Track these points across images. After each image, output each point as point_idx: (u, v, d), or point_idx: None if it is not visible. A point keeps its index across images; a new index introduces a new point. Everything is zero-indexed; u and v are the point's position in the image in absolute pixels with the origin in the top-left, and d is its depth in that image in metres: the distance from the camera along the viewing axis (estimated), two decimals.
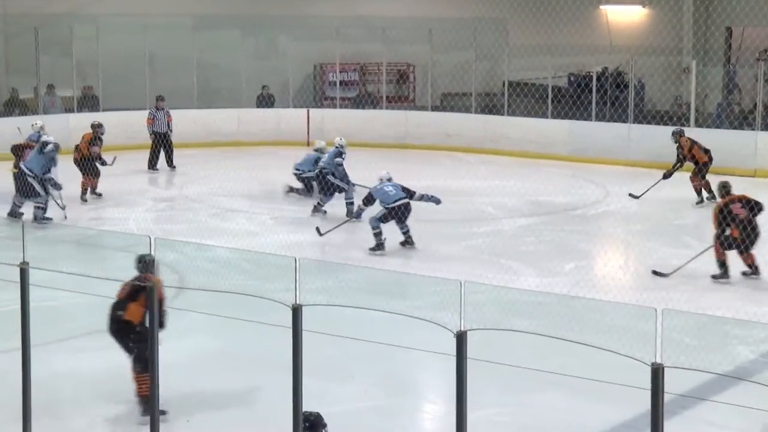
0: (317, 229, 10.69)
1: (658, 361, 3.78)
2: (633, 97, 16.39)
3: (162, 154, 15.34)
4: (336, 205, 11.85)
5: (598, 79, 17.05)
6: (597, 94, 16.55)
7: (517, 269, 9.54)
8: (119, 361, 6.84)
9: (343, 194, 11.80)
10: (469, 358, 4.15)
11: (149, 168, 15.16)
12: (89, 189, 12.90)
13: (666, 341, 3.78)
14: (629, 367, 4.03)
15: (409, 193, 10.30)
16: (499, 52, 17.83)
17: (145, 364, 5.85)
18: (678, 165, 12.61)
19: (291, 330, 4.56)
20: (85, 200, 12.62)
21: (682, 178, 12.75)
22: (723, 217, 9.00)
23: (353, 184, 11.96)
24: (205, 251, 7.16)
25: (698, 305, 8.08)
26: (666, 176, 12.57)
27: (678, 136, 12.74)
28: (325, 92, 20.36)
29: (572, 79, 18.62)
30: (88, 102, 17.55)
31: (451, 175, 14.48)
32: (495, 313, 5.07)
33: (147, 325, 5.90)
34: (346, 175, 11.86)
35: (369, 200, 10.38)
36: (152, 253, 5.74)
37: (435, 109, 18.72)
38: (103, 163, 13.04)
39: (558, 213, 12.36)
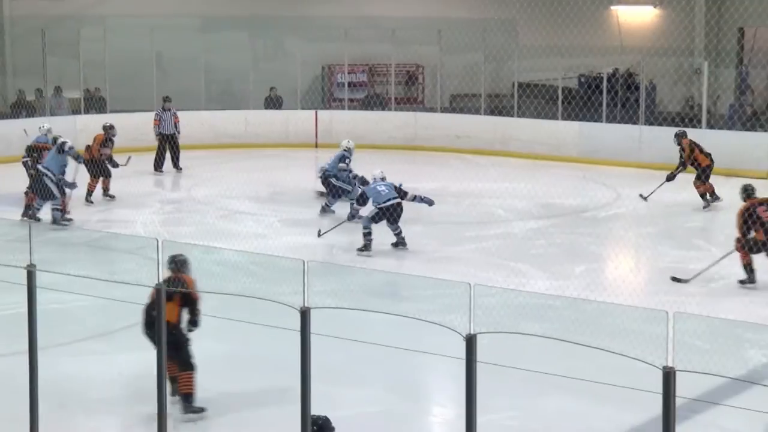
0: (319, 230, 10.66)
1: (670, 364, 3.77)
2: (644, 99, 16.32)
3: (168, 156, 15.31)
4: (344, 207, 11.81)
5: (609, 80, 16.99)
6: (608, 95, 16.48)
7: (527, 272, 9.49)
8: (125, 364, 6.87)
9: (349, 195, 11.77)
10: (478, 362, 4.13)
11: (155, 170, 15.14)
12: (102, 191, 12.91)
13: (678, 345, 3.77)
14: (640, 371, 4.00)
15: (402, 194, 10.26)
16: (509, 53, 17.77)
17: (184, 362, 5.97)
18: (680, 167, 12.50)
19: (299, 333, 4.56)
20: (91, 202, 12.61)
21: (686, 179, 12.65)
22: (746, 221, 8.89)
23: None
24: (212, 254, 7.14)
25: (710, 308, 8.01)
26: (669, 178, 12.47)
27: (680, 137, 12.65)
28: (334, 94, 20.35)
29: (583, 80, 18.57)
30: (95, 103, 17.57)
31: (461, 177, 14.43)
32: (505, 317, 5.02)
33: (183, 324, 6.07)
34: (354, 177, 11.81)
35: (362, 200, 10.36)
36: (159, 255, 5.71)
37: (444, 110, 18.68)
38: (115, 165, 13.08)
39: (568, 215, 12.30)
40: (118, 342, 7.45)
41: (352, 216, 10.66)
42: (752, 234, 8.90)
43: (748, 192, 9.20)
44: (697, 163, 12.40)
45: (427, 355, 6.80)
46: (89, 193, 12.62)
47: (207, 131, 17.48)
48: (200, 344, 7.14)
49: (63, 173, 11.31)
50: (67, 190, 11.45)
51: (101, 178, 12.85)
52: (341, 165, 11.81)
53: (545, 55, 17.33)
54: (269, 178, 13.93)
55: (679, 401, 3.80)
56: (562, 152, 16.43)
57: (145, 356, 5.41)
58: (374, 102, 19.47)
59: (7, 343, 6.98)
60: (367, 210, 10.50)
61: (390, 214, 10.10)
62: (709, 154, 12.48)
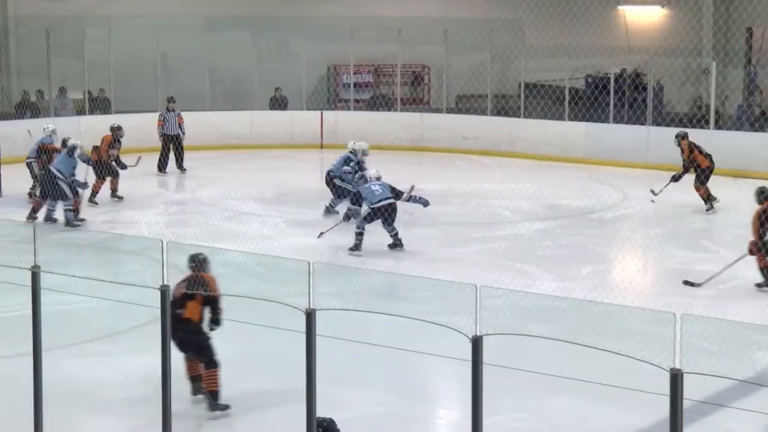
0: (320, 232, 10.66)
1: (677, 366, 3.76)
2: (651, 99, 16.25)
3: (172, 157, 15.29)
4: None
5: (616, 80, 16.92)
6: (615, 95, 16.43)
7: (534, 273, 9.46)
8: (130, 366, 6.86)
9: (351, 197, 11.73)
10: (484, 364, 4.12)
11: (159, 170, 15.11)
12: (111, 191, 12.90)
13: (685, 346, 3.76)
14: (647, 373, 3.99)
15: (396, 194, 10.23)
16: (515, 54, 17.72)
17: (208, 360, 6.03)
18: (684, 169, 12.40)
19: (305, 335, 4.55)
20: (95, 203, 12.59)
21: (693, 180, 12.57)
22: (762, 223, 8.81)
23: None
24: (217, 255, 7.12)
25: (718, 310, 7.96)
26: (675, 179, 12.38)
27: (680, 139, 12.56)
28: (339, 94, 20.32)
29: (590, 80, 18.50)
30: (99, 104, 17.57)
31: (467, 177, 14.40)
32: (511, 318, 5.01)
33: (205, 322, 6.12)
34: (359, 178, 11.77)
35: (357, 200, 10.34)
36: (164, 256, 5.70)
37: (450, 111, 18.64)
38: (124, 167, 13.09)
39: (575, 216, 12.26)
40: (123, 343, 7.44)
41: (348, 216, 10.63)
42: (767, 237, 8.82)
43: (766, 194, 9.09)
44: (696, 164, 12.29)
45: (432, 356, 6.82)
46: (94, 194, 12.61)
47: (212, 132, 17.47)
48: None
49: (73, 174, 11.36)
50: (80, 190, 11.51)
51: (109, 179, 12.85)
52: (345, 168, 11.77)
53: (552, 56, 17.27)
54: (274, 179, 13.91)
55: (686, 403, 3.79)
56: (569, 153, 16.38)
57: (151, 358, 5.39)
58: (380, 103, 19.43)
59: (11, 345, 6.99)
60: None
61: (383, 214, 10.07)
62: (710, 156, 12.36)
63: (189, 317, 6.09)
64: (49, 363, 5.38)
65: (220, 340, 7.19)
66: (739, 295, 8.70)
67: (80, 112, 17.36)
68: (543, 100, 16.68)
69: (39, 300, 5.22)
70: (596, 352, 4.20)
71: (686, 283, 8.91)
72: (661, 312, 4.25)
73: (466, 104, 18.92)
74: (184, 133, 15.44)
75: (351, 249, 10.02)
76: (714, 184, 12.84)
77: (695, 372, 3.78)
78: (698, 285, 8.85)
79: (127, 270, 6.85)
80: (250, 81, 18.40)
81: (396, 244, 10.18)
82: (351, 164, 11.87)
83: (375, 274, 8.16)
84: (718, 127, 15.39)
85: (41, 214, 11.40)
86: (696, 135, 14.32)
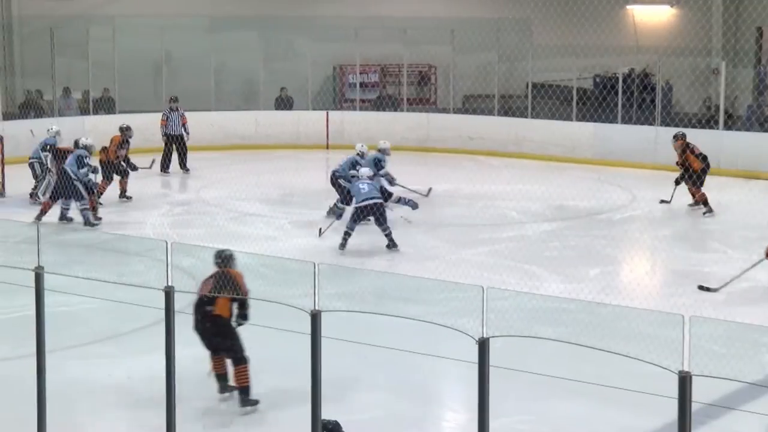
0: (319, 229, 10.67)
1: (686, 369, 3.74)
2: (660, 99, 16.18)
3: (175, 157, 15.26)
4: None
5: (625, 80, 16.85)
6: (623, 96, 16.36)
7: (541, 275, 9.42)
8: (134, 367, 6.83)
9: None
10: (491, 366, 4.10)
11: (161, 170, 15.06)
12: (120, 192, 12.89)
13: (694, 349, 3.74)
14: (656, 376, 3.97)
15: (386, 195, 10.19)
16: (523, 53, 17.66)
17: (237, 356, 6.10)
18: (682, 171, 12.27)
19: (310, 336, 4.53)
20: (101, 203, 12.54)
21: (708, 181, 12.50)
22: None
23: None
24: None
25: (727, 312, 7.91)
26: (677, 182, 12.26)
27: (675, 139, 12.45)
28: (345, 94, 20.29)
29: (598, 80, 18.44)
30: (103, 104, 17.57)
31: (474, 178, 14.35)
32: (518, 320, 4.98)
33: (234, 318, 6.17)
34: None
35: (348, 198, 10.36)
36: (168, 257, 5.67)
37: (457, 111, 18.59)
38: (134, 168, 13.11)
39: (583, 218, 12.21)
40: (126, 345, 7.43)
41: (339, 215, 10.60)
42: None
43: None
44: (688, 165, 12.16)
45: (439, 358, 6.79)
46: (99, 194, 12.61)
47: (217, 132, 17.45)
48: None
49: (87, 173, 11.41)
50: (94, 189, 11.58)
51: (119, 180, 12.86)
52: (352, 172, 11.73)
53: (560, 55, 17.20)
54: (280, 180, 13.88)
55: (695, 406, 3.77)
56: (577, 154, 16.32)
57: (154, 359, 5.36)
58: (386, 103, 19.39)
59: (14, 346, 6.99)
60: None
61: (368, 214, 10.05)
62: (703, 157, 12.14)
63: (219, 314, 6.14)
64: (52, 364, 5.37)
65: None
66: (748, 298, 8.63)
67: (84, 112, 17.34)
68: (551, 100, 16.62)
69: (42, 301, 5.21)
70: (604, 355, 4.18)
71: (702, 288, 8.76)
72: (670, 314, 4.23)
73: (473, 104, 18.88)
74: (188, 133, 15.41)
75: (340, 246, 10.06)
76: (723, 184, 12.80)
77: (704, 375, 3.76)
78: (714, 290, 8.72)
79: (131, 271, 6.83)
80: (256, 81, 18.38)
81: (390, 244, 10.15)
82: (357, 167, 11.81)
83: (380, 275, 8.14)
84: (727, 127, 15.30)
85: (53, 214, 11.40)
86: (705, 136, 14.26)
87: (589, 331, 5.28)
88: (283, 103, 18.88)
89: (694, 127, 14.52)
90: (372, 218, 10.23)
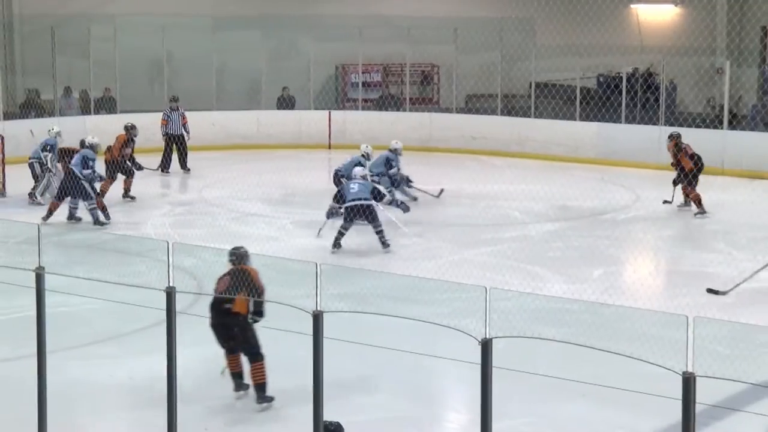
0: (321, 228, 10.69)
1: (690, 370, 3.73)
2: (664, 99, 16.14)
3: (175, 157, 15.23)
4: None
5: (629, 80, 16.81)
6: (627, 95, 16.31)
7: (544, 276, 9.40)
8: (135, 368, 6.81)
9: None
10: (494, 367, 4.10)
11: (161, 170, 15.03)
12: (123, 191, 12.88)
13: (698, 350, 3.73)
14: (660, 377, 3.97)
15: (378, 196, 10.20)
16: (526, 53, 17.62)
17: (254, 353, 6.15)
18: (678, 171, 12.21)
19: (312, 337, 4.52)
20: (102, 204, 12.50)
21: (707, 181, 12.47)
22: None
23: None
24: (223, 256, 7.08)
25: (731, 313, 7.88)
26: (675, 183, 12.20)
27: (669, 140, 12.39)
28: (347, 94, 20.26)
29: (601, 80, 18.40)
30: (104, 104, 17.54)
31: (476, 178, 14.32)
32: (521, 321, 4.96)
33: (250, 315, 6.20)
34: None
35: (339, 197, 10.33)
36: (169, 258, 5.65)
37: (460, 111, 18.55)
38: (139, 167, 13.08)
39: (586, 218, 12.17)
40: (128, 345, 7.41)
41: (331, 214, 10.57)
42: None
43: None
44: (680, 166, 12.11)
45: (441, 359, 6.76)
46: (102, 193, 12.59)
47: (218, 132, 17.42)
48: (211, 347, 7.10)
49: (90, 167, 11.43)
50: (98, 185, 11.64)
51: (124, 179, 12.85)
52: (356, 170, 11.70)
53: (563, 55, 17.16)
54: (281, 180, 13.85)
55: (699, 407, 3.76)
56: (580, 154, 16.28)
57: (156, 360, 5.34)
58: (389, 102, 19.36)
59: (15, 347, 6.98)
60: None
61: (355, 214, 10.05)
62: (696, 157, 12.04)
63: (238, 311, 6.16)
64: (53, 365, 5.37)
65: None
66: (752, 298, 8.59)
67: (85, 111, 17.31)
68: (554, 99, 16.57)
69: (43, 301, 5.20)
70: (607, 355, 4.17)
71: (710, 291, 8.68)
72: (674, 315, 4.18)
73: (475, 104, 18.83)
74: (188, 133, 15.38)
75: (332, 246, 10.09)
76: (728, 184, 12.75)
77: (708, 375, 3.75)
78: (723, 293, 8.65)
79: (132, 271, 6.82)
80: (258, 80, 18.35)
81: (381, 244, 10.11)
82: (362, 167, 11.79)
83: (383, 276, 8.10)
84: (731, 127, 15.25)
85: (59, 214, 11.40)
86: (709, 135, 14.21)
87: (592, 331, 5.27)
88: (285, 102, 18.85)
89: (698, 126, 14.47)
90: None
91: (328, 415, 4.76)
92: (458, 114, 18.28)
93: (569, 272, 9.45)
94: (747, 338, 6.59)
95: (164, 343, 5.02)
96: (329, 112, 18.30)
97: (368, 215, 10.08)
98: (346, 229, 10.18)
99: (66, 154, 12.31)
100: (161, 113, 15.62)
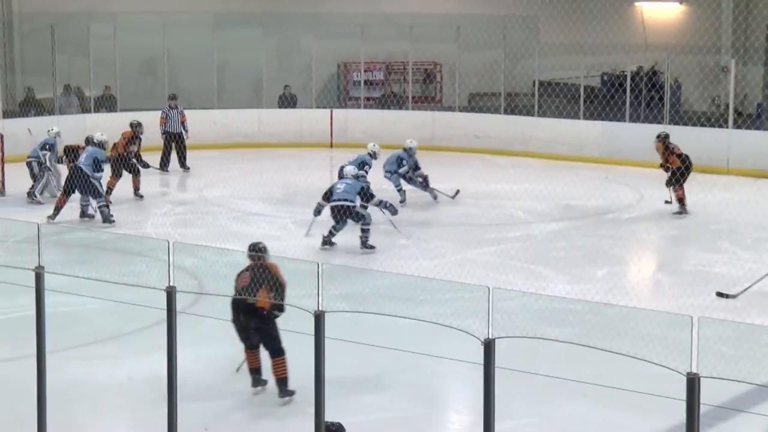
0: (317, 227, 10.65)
1: (694, 370, 3.72)
2: (669, 98, 16.08)
3: (174, 155, 15.20)
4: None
5: (633, 78, 16.76)
6: (631, 94, 16.27)
7: (548, 275, 9.36)
8: (135, 368, 6.79)
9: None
10: (497, 367, 4.08)
11: (161, 169, 14.96)
12: (134, 190, 12.87)
13: (702, 350, 3.72)
14: (664, 377, 3.95)
15: (366, 197, 10.16)
16: (530, 51, 17.56)
17: (276, 348, 6.18)
18: (670, 171, 12.12)
19: (313, 337, 4.50)
20: (109, 201, 12.47)
21: (712, 181, 12.41)
22: None
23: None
24: (224, 256, 7.07)
25: (736, 313, 7.84)
26: (668, 183, 12.13)
27: (656, 140, 12.31)
28: (350, 92, 20.22)
29: (605, 78, 18.35)
30: (105, 102, 17.51)
31: (479, 177, 14.29)
32: (524, 321, 4.93)
33: (274, 310, 6.22)
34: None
35: (327, 195, 10.30)
36: (170, 257, 5.62)
37: (463, 109, 18.49)
38: (145, 165, 13.05)
39: (590, 217, 12.13)
40: (128, 345, 7.39)
41: (318, 212, 10.53)
42: None
43: None
44: (668, 165, 12.04)
45: (444, 359, 6.74)
46: (108, 191, 12.57)
47: (219, 130, 17.37)
48: (212, 347, 7.08)
49: (101, 170, 11.50)
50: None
51: (132, 178, 12.83)
52: (360, 172, 11.67)
53: (567, 53, 17.12)
54: (283, 179, 13.82)
55: (703, 408, 3.75)
56: (584, 152, 16.22)
57: (156, 360, 5.32)
58: (391, 101, 19.33)
59: (15, 347, 6.95)
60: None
61: (340, 215, 10.02)
62: (684, 157, 11.95)
63: (261, 306, 6.18)
64: (52, 365, 5.34)
65: (227, 343, 7.14)
66: (757, 299, 8.53)
67: (85, 110, 17.27)
68: (557, 98, 16.52)
69: (43, 301, 5.17)
70: (611, 356, 4.15)
71: (720, 294, 8.56)
72: (678, 315, 4.18)
73: (478, 102, 18.79)
74: (187, 131, 15.35)
75: (321, 244, 10.10)
76: (733, 184, 12.67)
77: (712, 376, 3.73)
78: (733, 297, 8.55)
79: (133, 271, 6.80)
80: (259, 78, 18.31)
81: (361, 244, 10.06)
82: (366, 167, 11.73)
83: (385, 275, 8.07)
84: (737, 126, 15.17)
85: (68, 212, 11.38)
86: (714, 134, 14.14)
87: (596, 332, 5.24)
88: (287, 101, 18.80)
89: (703, 125, 14.42)
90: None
91: (329, 416, 4.72)
92: (461, 113, 18.22)
93: (573, 272, 9.41)
94: (752, 339, 6.54)
95: (164, 343, 4.99)
96: (331, 111, 18.26)
97: (353, 216, 10.04)
98: (337, 229, 10.14)
99: (71, 151, 12.31)
100: (160, 111, 15.61)
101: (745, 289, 8.55)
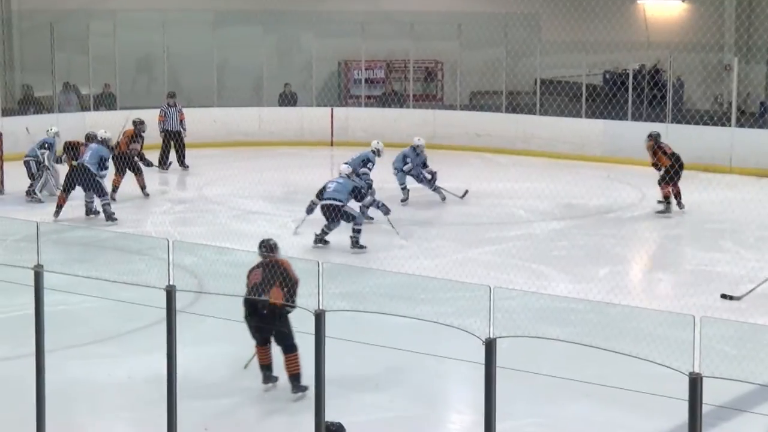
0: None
1: (696, 370, 3.69)
2: (671, 96, 16.04)
3: (173, 154, 15.17)
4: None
5: (635, 76, 16.72)
6: (633, 92, 16.24)
7: (549, 275, 9.33)
8: (135, 367, 6.77)
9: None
10: (498, 367, 4.05)
11: (160, 167, 14.91)
12: (141, 189, 12.84)
13: (704, 350, 3.69)
14: (666, 377, 3.91)
15: (358, 196, 10.11)
16: (531, 49, 17.53)
17: (290, 344, 6.18)
18: (663, 170, 12.07)
19: (314, 336, 4.48)
20: (114, 199, 12.45)
21: (715, 179, 12.38)
22: None
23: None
24: (224, 255, 7.07)
25: (739, 313, 7.82)
26: (660, 182, 12.09)
27: (648, 139, 12.27)
28: (350, 90, 20.18)
29: (607, 76, 18.31)
30: (104, 100, 17.47)
31: (481, 176, 14.26)
32: (525, 320, 4.92)
33: (287, 306, 6.20)
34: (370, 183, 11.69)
35: (321, 194, 10.28)
36: (170, 256, 5.59)
37: (464, 108, 18.47)
38: (148, 164, 13.03)
39: (592, 216, 12.11)
40: (127, 345, 7.37)
41: (311, 210, 10.50)
42: None
43: None
44: (660, 165, 11.99)
45: (444, 359, 6.71)
46: (114, 189, 12.54)
47: (219, 129, 17.35)
48: (213, 346, 7.07)
49: (106, 167, 11.48)
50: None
51: (135, 177, 12.80)
52: (363, 170, 11.64)
53: (569, 51, 17.09)
54: (283, 177, 13.80)
55: (705, 408, 3.72)
56: (586, 151, 16.19)
57: (155, 359, 5.30)
58: (392, 99, 19.30)
59: (14, 346, 6.94)
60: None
61: (328, 213, 10.00)
62: (674, 156, 11.91)
63: (275, 302, 6.19)
64: (52, 364, 5.31)
65: (228, 342, 7.13)
66: (760, 299, 8.50)
67: (85, 108, 17.23)
68: (559, 96, 16.49)
69: (42, 300, 5.14)
70: (613, 355, 4.13)
71: (724, 296, 8.49)
72: (680, 314, 4.23)
73: (480, 101, 18.76)
74: (185, 130, 15.33)
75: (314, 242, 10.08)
76: (735, 183, 12.62)
77: (715, 376, 3.71)
78: (737, 298, 8.49)
79: (132, 270, 6.79)
80: (259, 76, 18.28)
81: (351, 244, 10.02)
82: (369, 165, 11.71)
83: (386, 274, 8.04)
84: (740, 125, 15.14)
85: (73, 210, 11.36)
86: (717, 133, 14.09)
87: (598, 331, 5.25)
88: (287, 99, 18.78)
89: (705, 124, 14.38)
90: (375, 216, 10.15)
91: (329, 415, 4.70)
92: (462, 111, 18.19)
93: (574, 271, 9.39)
94: (754, 338, 6.53)
95: (164, 342, 4.96)
96: (332, 109, 18.23)
97: (342, 216, 10.00)
98: (329, 228, 10.10)
99: (71, 148, 12.27)
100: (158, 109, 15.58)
101: (750, 291, 8.50)
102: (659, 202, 12.09)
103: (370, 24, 18.38)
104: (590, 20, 16.04)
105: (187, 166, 15.23)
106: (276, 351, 6.40)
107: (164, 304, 4.94)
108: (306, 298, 4.69)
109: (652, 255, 10.91)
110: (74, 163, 11.62)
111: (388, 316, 5.73)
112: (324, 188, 10.28)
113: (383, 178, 12.05)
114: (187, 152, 15.36)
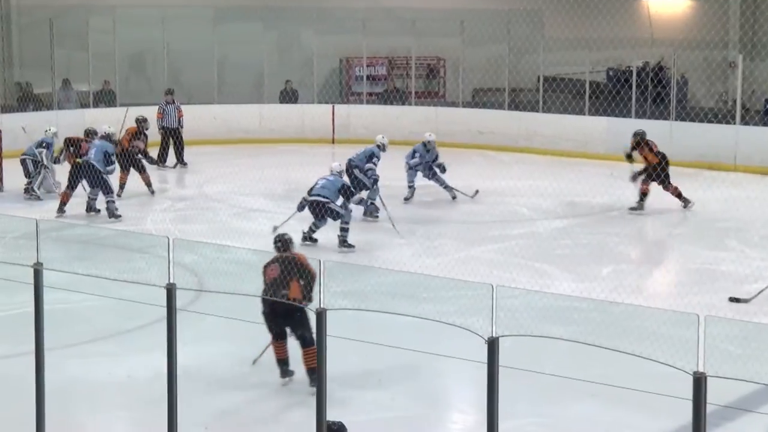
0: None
1: (701, 370, 3.67)
2: (675, 94, 16.01)
3: (172, 151, 15.13)
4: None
5: (639, 74, 16.68)
6: (637, 89, 16.19)
7: (552, 273, 9.31)
8: (135, 366, 6.75)
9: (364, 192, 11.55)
10: (501, 366, 4.04)
11: (159, 164, 14.87)
12: (147, 186, 12.82)
13: (709, 349, 3.67)
14: (670, 376, 3.89)
15: (347, 194, 10.07)
16: (534, 46, 17.50)
17: (308, 338, 6.17)
18: (651, 169, 12.03)
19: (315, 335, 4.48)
20: (119, 196, 12.41)
21: (720, 178, 12.34)
22: None
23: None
24: (225, 253, 7.06)
25: (743, 312, 7.79)
26: (660, 183, 12.03)
27: (633, 137, 12.22)
28: (352, 87, 20.15)
29: (611, 74, 18.29)
30: (104, 97, 17.45)
31: (483, 174, 14.24)
32: (528, 319, 4.90)
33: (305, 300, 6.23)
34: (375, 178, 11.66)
35: (310, 191, 10.24)
36: (170, 254, 5.56)
37: (466, 105, 18.43)
38: (152, 161, 13.01)
39: (595, 214, 12.09)
40: (127, 343, 7.36)
41: (302, 207, 10.46)
42: None
43: None
44: (647, 162, 11.95)
45: (447, 358, 6.69)
46: (121, 186, 12.51)
47: (220, 126, 17.33)
48: (213, 346, 7.04)
49: (113, 163, 11.47)
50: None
51: (140, 175, 12.80)
52: (368, 165, 11.59)
53: (572, 48, 17.04)
54: (284, 175, 13.74)
55: (709, 408, 3.69)
56: (589, 149, 16.16)
57: (155, 358, 5.28)
58: (394, 96, 19.26)
59: (13, 344, 6.92)
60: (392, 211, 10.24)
61: (314, 211, 9.95)
62: (661, 154, 11.88)
63: (293, 297, 6.21)
64: (51, 362, 5.29)
65: (228, 341, 7.11)
66: (764, 298, 8.45)
67: (84, 105, 17.20)
68: (562, 94, 16.46)
69: (41, 298, 5.12)
70: (616, 355, 4.11)
71: (732, 299, 8.39)
72: (684, 313, 4.15)
73: (482, 98, 18.72)
74: (182, 127, 15.32)
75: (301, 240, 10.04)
76: (740, 181, 12.56)
77: (719, 376, 3.69)
78: (746, 301, 8.41)
79: (132, 268, 6.77)
80: (260, 73, 18.24)
81: (339, 242, 9.98)
82: (374, 160, 11.67)
83: (388, 273, 8.02)
84: (744, 122, 15.09)
85: (74, 206, 11.34)
86: (722, 131, 14.04)
87: (601, 330, 5.23)
88: (288, 96, 18.74)
89: (710, 122, 14.33)
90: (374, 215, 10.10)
91: (331, 414, 4.67)
92: (465, 108, 18.16)
93: (578, 270, 9.37)
94: (759, 338, 6.50)
95: (164, 341, 4.93)
96: (333, 106, 18.20)
97: (330, 214, 9.95)
98: (317, 226, 10.05)
99: (72, 144, 12.25)
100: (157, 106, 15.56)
101: (759, 293, 8.44)
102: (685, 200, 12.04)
103: (372, 20, 18.34)
104: (594, 17, 15.99)
105: (186, 164, 15.21)
106: (292, 345, 6.41)
107: (164, 303, 4.91)
108: None
109: (656, 253, 10.87)
110: (78, 160, 11.59)
111: (390, 314, 5.70)
112: (314, 185, 10.23)
113: (386, 176, 12.01)
114: (187, 149, 15.34)
